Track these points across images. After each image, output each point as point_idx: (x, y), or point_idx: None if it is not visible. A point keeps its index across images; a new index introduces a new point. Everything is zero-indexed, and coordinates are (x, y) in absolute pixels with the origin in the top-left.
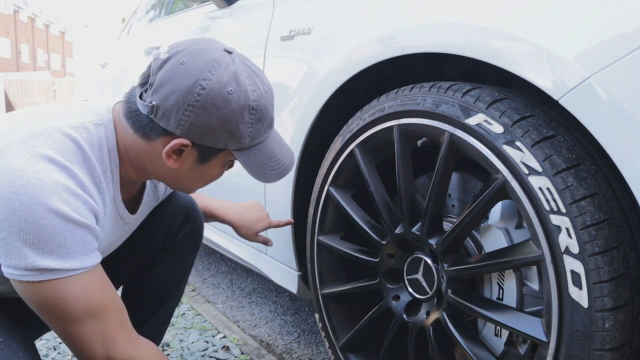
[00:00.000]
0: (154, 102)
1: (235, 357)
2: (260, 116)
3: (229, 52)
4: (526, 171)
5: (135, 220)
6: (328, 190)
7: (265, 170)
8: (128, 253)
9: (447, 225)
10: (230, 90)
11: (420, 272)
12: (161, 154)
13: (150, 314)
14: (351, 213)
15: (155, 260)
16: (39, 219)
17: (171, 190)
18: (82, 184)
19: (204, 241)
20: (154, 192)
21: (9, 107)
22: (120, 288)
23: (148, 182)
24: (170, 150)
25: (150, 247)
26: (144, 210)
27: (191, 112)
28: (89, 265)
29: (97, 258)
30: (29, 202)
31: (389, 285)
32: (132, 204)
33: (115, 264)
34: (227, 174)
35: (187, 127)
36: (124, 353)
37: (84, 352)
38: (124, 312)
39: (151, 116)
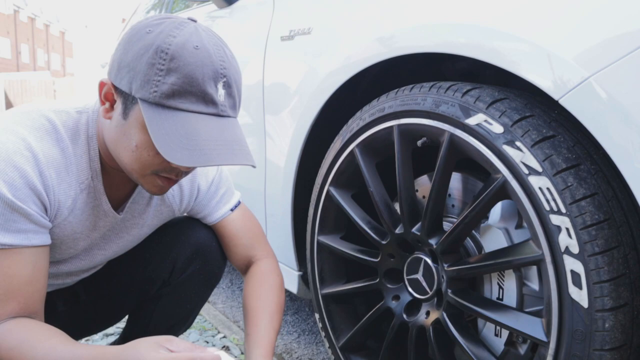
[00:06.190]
0: None
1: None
2: (172, 66)
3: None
4: (526, 171)
5: (133, 221)
6: (328, 190)
7: (173, 143)
8: (132, 276)
9: (447, 225)
10: (149, 30)
11: (420, 272)
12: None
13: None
14: (351, 213)
15: (161, 294)
16: None
17: (192, 202)
18: (37, 159)
19: None
20: (161, 198)
21: (9, 107)
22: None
23: None
24: (101, 93)
25: (154, 276)
26: (143, 213)
27: (117, 49)
28: (2, 243)
29: (17, 239)
30: None
31: (389, 285)
32: (124, 201)
33: (121, 288)
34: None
35: (111, 65)
36: None
37: None
38: (17, 301)
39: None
